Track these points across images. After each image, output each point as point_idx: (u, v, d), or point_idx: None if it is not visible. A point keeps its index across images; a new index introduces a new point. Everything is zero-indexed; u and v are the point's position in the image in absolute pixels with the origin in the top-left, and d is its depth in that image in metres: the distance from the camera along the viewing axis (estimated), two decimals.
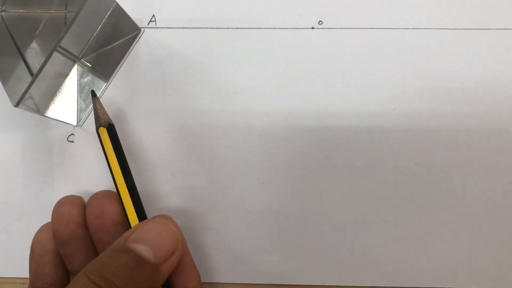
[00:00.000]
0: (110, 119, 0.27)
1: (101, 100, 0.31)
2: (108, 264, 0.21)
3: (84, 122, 0.31)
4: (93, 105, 0.27)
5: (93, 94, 0.27)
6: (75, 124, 0.30)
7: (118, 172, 0.25)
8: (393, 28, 0.31)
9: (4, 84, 0.26)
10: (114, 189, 0.26)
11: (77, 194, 0.29)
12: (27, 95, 0.25)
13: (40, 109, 0.27)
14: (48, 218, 0.28)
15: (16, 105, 0.24)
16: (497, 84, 0.30)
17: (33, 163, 0.31)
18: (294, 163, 0.30)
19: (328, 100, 0.30)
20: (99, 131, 0.26)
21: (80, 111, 0.30)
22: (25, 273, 0.28)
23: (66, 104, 0.29)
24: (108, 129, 0.26)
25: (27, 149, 0.31)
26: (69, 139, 0.31)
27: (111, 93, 0.31)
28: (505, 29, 0.30)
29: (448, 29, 0.31)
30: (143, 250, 0.22)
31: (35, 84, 0.24)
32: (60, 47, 0.25)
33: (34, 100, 0.26)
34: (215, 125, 0.30)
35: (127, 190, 0.25)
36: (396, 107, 0.30)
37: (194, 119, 0.30)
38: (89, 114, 0.31)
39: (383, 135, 0.30)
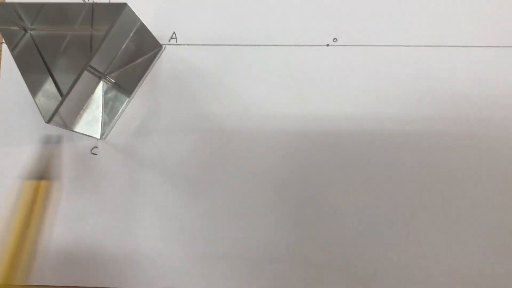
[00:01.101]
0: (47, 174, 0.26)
1: (123, 114, 0.32)
2: None
3: (107, 136, 0.32)
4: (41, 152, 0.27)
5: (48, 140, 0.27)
6: (99, 137, 0.32)
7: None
8: (404, 46, 0.32)
9: (35, 99, 0.27)
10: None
11: (101, 205, 0.30)
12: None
13: (67, 124, 0.28)
14: (71, 229, 0.29)
15: (48, 122, 0.25)
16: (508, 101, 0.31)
17: (57, 175, 0.32)
18: (309, 173, 0.31)
19: (343, 113, 0.31)
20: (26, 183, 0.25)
21: (103, 125, 0.31)
22: (55, 281, 0.29)
23: (91, 119, 0.30)
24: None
25: (52, 161, 0.32)
26: (92, 151, 0.32)
27: (134, 108, 0.32)
28: None
29: (459, 46, 0.32)
30: None
31: (65, 102, 0.26)
32: (89, 65, 0.27)
33: (62, 116, 0.27)
34: (233, 137, 0.31)
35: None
36: (409, 121, 0.31)
37: (213, 132, 0.32)
38: (112, 128, 0.32)
39: (397, 150, 0.31)
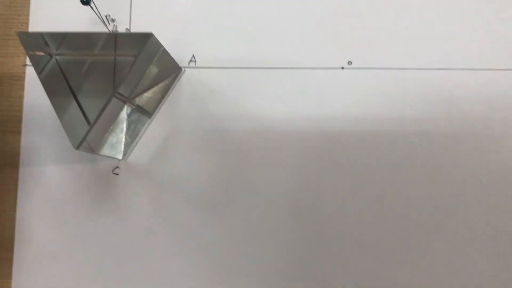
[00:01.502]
0: None
1: (144, 135, 0.33)
2: None
3: (128, 156, 0.33)
4: None
5: None
6: (121, 158, 0.33)
7: None
8: (417, 68, 0.33)
9: (62, 124, 0.28)
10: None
11: (123, 222, 0.31)
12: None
13: (93, 149, 0.29)
14: (95, 246, 0.30)
15: (77, 148, 0.26)
16: None
17: (80, 195, 0.33)
18: (325, 193, 0.32)
19: (358, 133, 0.32)
20: None
21: (125, 146, 0.32)
22: None
23: (114, 141, 0.31)
24: None
25: (75, 182, 0.33)
26: (114, 171, 0.33)
27: (154, 129, 0.33)
28: None
29: (470, 69, 0.33)
30: None
31: (92, 129, 0.27)
32: (117, 92, 0.28)
33: (89, 142, 0.28)
34: (250, 157, 0.32)
35: None
36: (422, 143, 0.32)
37: (231, 152, 0.33)
38: (133, 148, 0.33)
39: (411, 171, 0.32)
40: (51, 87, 0.30)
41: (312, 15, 0.34)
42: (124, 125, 0.31)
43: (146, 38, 0.27)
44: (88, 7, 0.31)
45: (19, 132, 0.34)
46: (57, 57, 0.31)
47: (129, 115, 0.31)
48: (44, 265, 0.33)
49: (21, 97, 0.34)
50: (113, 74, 0.30)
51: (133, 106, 0.31)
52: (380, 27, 0.33)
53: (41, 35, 0.29)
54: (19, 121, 0.34)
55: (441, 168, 0.32)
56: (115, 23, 0.34)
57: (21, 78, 0.34)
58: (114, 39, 0.29)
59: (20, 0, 0.35)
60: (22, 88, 0.34)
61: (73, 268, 0.33)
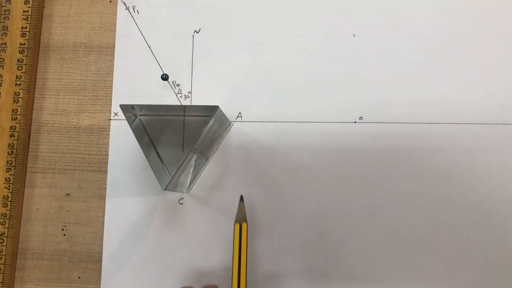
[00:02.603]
0: (245, 218, 0.37)
1: (202, 174, 0.43)
2: None
3: (190, 190, 0.43)
4: (239, 206, 0.37)
5: (241, 198, 0.38)
6: (185, 191, 0.42)
7: (235, 259, 0.36)
8: (422, 123, 0.42)
9: (152, 167, 0.37)
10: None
11: (186, 242, 0.41)
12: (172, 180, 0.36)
13: (173, 188, 0.39)
14: (165, 260, 0.40)
15: (164, 189, 0.36)
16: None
17: (153, 220, 0.43)
18: (341, 221, 0.42)
19: (368, 179, 0.42)
20: (235, 226, 0.36)
21: (189, 182, 0.42)
22: None
23: (183, 180, 0.41)
24: (241, 225, 0.37)
25: (149, 209, 0.43)
26: (179, 202, 0.43)
27: (210, 168, 0.43)
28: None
29: (477, 124, 0.42)
30: None
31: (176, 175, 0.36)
32: (194, 148, 0.37)
33: (171, 184, 0.38)
34: (284, 191, 0.42)
35: (236, 274, 0.36)
36: (423, 194, 0.42)
37: (269, 187, 0.42)
38: (194, 184, 0.43)
39: (410, 210, 0.42)
40: (138, 137, 0.39)
41: (330, 80, 0.43)
42: (191, 168, 0.41)
43: (214, 109, 0.37)
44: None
45: (105, 172, 0.43)
46: (140, 117, 0.41)
47: (195, 160, 0.41)
48: (125, 275, 0.42)
49: (107, 144, 0.44)
50: (182, 129, 0.40)
51: (199, 154, 0.41)
52: (386, 87, 0.43)
53: (131, 105, 0.39)
54: (105, 162, 0.44)
55: (436, 205, 0.42)
56: (180, 87, 0.44)
57: (106, 129, 0.44)
58: (184, 108, 0.39)
59: (106, 69, 0.45)
60: (107, 137, 0.44)
61: (148, 277, 0.42)
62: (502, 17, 0.44)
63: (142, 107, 0.39)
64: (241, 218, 0.37)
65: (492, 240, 0.41)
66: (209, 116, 0.37)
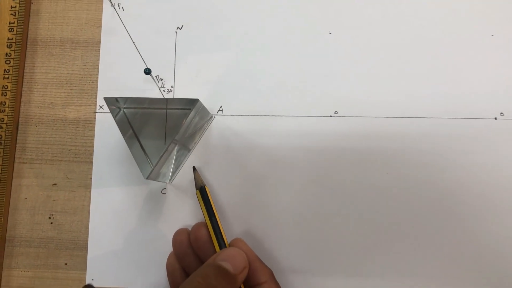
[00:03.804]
0: (204, 183, 0.40)
1: (184, 165, 0.45)
2: (203, 273, 0.34)
3: (173, 180, 0.45)
4: (194, 175, 0.40)
5: (194, 168, 0.41)
6: (168, 182, 0.44)
7: (207, 220, 0.39)
8: (394, 117, 0.44)
9: (135, 158, 0.39)
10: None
11: (169, 231, 0.43)
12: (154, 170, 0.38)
13: (155, 178, 0.41)
14: (147, 247, 0.42)
15: (146, 178, 0.38)
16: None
17: (137, 209, 0.44)
18: (321, 209, 0.44)
19: (344, 174, 0.44)
20: (196, 193, 0.39)
21: (172, 173, 0.44)
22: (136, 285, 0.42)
23: (165, 171, 0.43)
24: (201, 190, 0.40)
25: (133, 199, 0.45)
26: (162, 192, 0.45)
27: (192, 159, 0.45)
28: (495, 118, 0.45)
29: (445, 118, 0.44)
30: (226, 265, 0.35)
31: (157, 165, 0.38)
32: (174, 139, 0.39)
33: (153, 174, 0.39)
34: (264, 183, 0.44)
35: (213, 231, 0.39)
36: (395, 184, 0.44)
37: (249, 179, 0.44)
38: (176, 174, 0.45)
39: (388, 209, 0.44)
40: (122, 129, 0.41)
41: (307, 76, 0.46)
42: (173, 158, 0.43)
43: (194, 102, 0.39)
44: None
45: (91, 162, 0.45)
46: (124, 110, 0.42)
47: (177, 152, 0.43)
48: (110, 261, 0.44)
49: (92, 136, 0.45)
50: (165, 122, 0.42)
51: (180, 146, 0.43)
52: (361, 82, 0.45)
53: (115, 98, 0.40)
54: (91, 154, 0.45)
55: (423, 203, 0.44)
56: (163, 81, 0.46)
57: (92, 122, 0.46)
58: (166, 101, 0.41)
59: (92, 63, 0.46)
60: (93, 129, 0.46)
61: (131, 264, 0.44)
62: (472, 9, 0.46)
63: (125, 100, 0.41)
64: (199, 184, 0.39)
65: (467, 229, 0.43)
66: (190, 109, 0.39)
